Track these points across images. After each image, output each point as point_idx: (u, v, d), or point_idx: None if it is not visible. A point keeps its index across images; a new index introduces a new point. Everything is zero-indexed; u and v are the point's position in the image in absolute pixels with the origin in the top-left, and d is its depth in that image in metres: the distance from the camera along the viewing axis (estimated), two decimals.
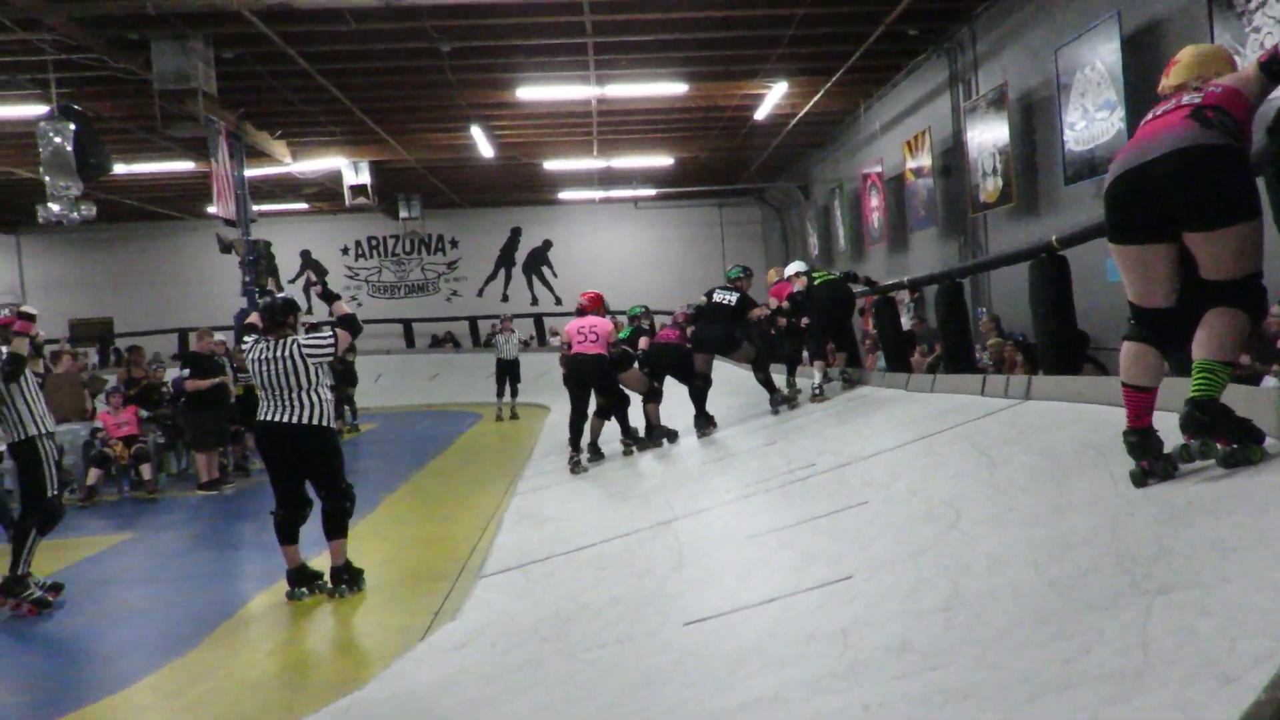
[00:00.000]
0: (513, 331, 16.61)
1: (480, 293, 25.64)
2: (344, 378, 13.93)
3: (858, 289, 9.86)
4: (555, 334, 23.50)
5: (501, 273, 25.82)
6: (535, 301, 25.55)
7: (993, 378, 6.38)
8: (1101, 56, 8.70)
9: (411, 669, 4.05)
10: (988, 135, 11.27)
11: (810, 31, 11.84)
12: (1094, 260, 8.66)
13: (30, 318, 5.99)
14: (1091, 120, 8.93)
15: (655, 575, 4.47)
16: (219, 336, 11.10)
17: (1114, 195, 3.14)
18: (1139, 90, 8.49)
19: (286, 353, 5.58)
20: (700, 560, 4.56)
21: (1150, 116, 3.21)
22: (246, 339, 5.94)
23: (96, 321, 24.22)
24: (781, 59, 12.80)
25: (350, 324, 5.97)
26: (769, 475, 6.11)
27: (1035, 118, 10.67)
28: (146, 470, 10.05)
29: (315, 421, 5.61)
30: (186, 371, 10.20)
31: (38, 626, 5.49)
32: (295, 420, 5.57)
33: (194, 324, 16.98)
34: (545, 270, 25.81)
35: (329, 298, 6.32)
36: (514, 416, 16.05)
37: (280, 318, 5.75)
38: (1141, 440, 3.08)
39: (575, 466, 8.63)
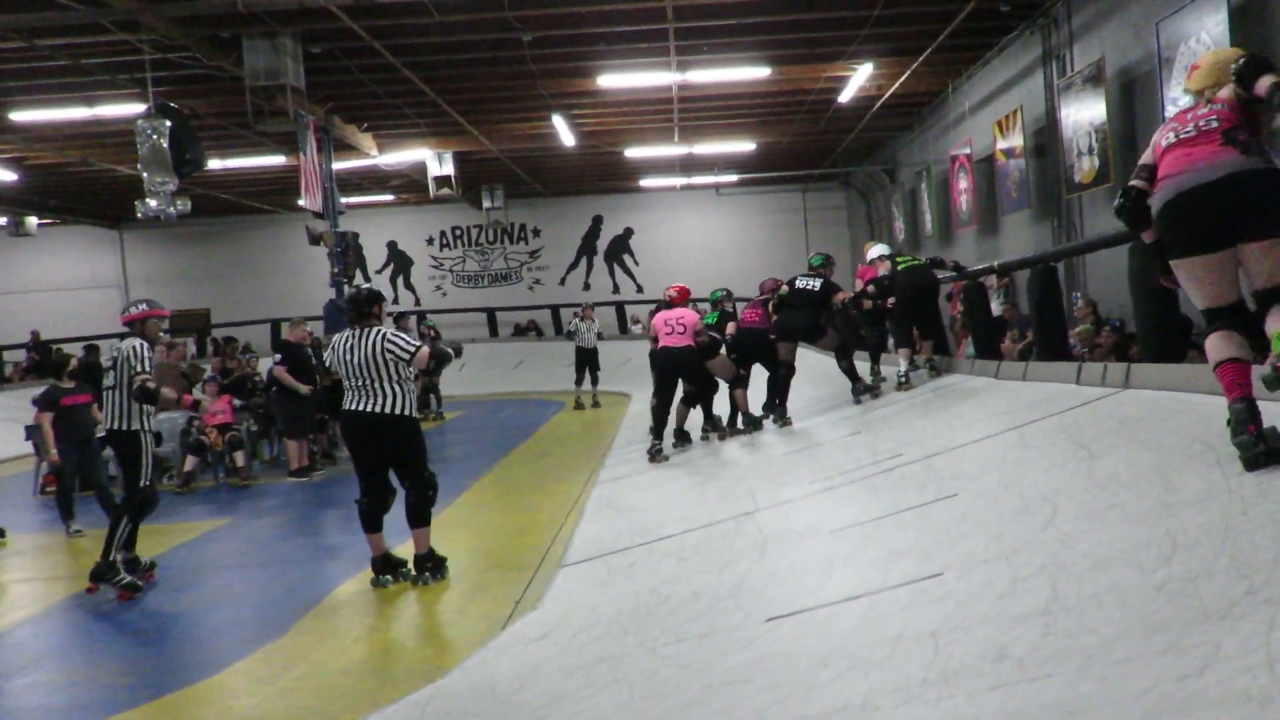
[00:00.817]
0: (593, 320, 16.54)
1: (562, 281, 25.76)
2: (334, 388, 14.02)
3: (944, 274, 9.61)
4: (637, 321, 23.56)
5: (583, 261, 25.90)
6: (617, 290, 25.57)
7: (1089, 365, 6.12)
8: (1208, 28, 8.27)
9: (493, 659, 4.05)
10: (1084, 113, 10.84)
11: (897, 10, 11.54)
12: None
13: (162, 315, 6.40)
14: None
15: (737, 568, 4.39)
16: (309, 327, 11.36)
17: (1177, 212, 3.43)
18: None
19: (370, 343, 5.59)
20: (783, 554, 4.47)
21: (1174, 137, 3.51)
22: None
23: (194, 313, 25.01)
24: (867, 39, 12.50)
25: (441, 358, 5.90)
26: (853, 466, 5.98)
27: (1134, 94, 10.22)
28: (240, 457, 10.33)
29: (398, 411, 5.61)
30: (279, 358, 10.45)
31: (136, 611, 5.66)
32: (378, 410, 5.57)
33: (286, 314, 17.39)
34: (627, 258, 25.81)
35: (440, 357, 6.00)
36: (595, 404, 16.11)
37: (365, 308, 5.75)
38: (1247, 407, 3.18)
39: (656, 455, 8.61)
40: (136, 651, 4.99)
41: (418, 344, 5.73)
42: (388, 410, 5.59)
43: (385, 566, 5.80)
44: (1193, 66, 3.68)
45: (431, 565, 5.78)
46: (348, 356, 5.63)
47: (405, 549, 5.93)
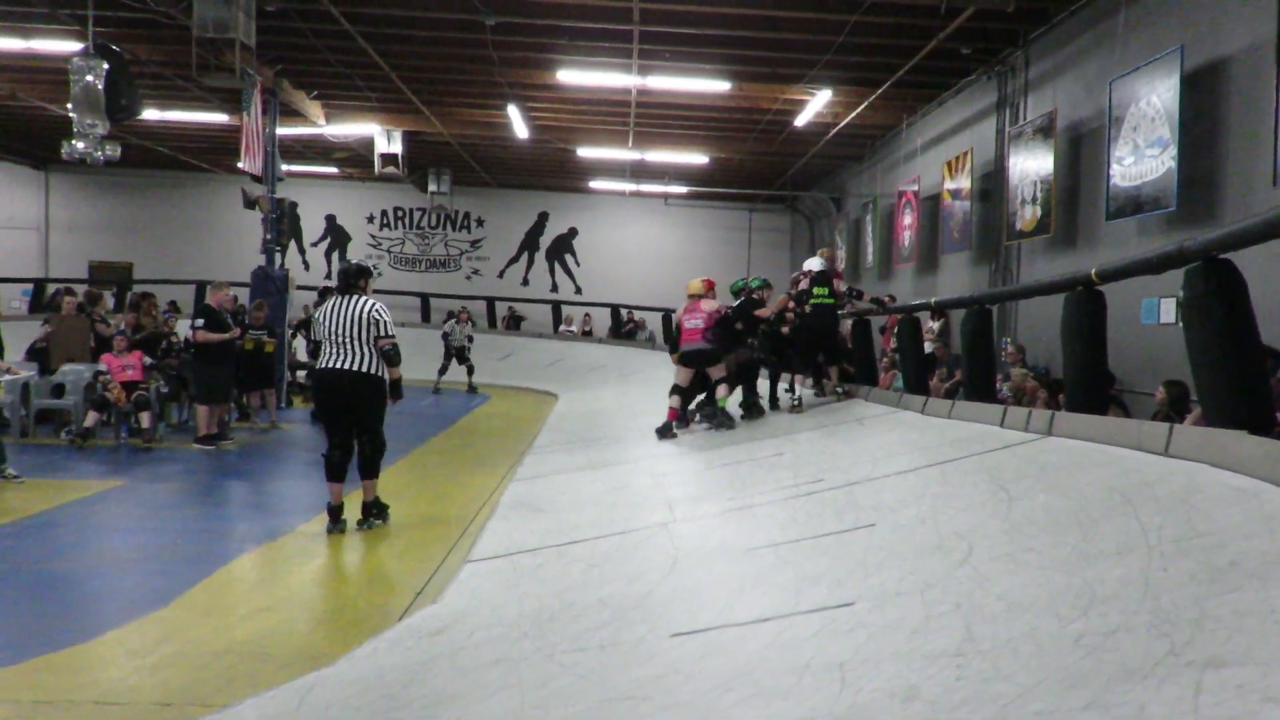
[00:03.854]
0: (469, 324, 18.57)
1: (501, 274, 25.50)
2: (313, 351, 13.74)
3: (862, 305, 10.19)
4: (571, 322, 23.41)
5: (525, 256, 25.66)
6: (555, 288, 25.39)
7: (1014, 410, 6.15)
8: (1159, 91, 8.45)
9: (384, 650, 3.88)
10: (1031, 163, 11.01)
11: (860, 40, 11.62)
12: (1129, 300, 8.43)
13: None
14: (1141, 156, 8.67)
15: (647, 580, 4.28)
16: (232, 292, 10.99)
17: None
18: (1194, 129, 8.24)
19: (358, 310, 6.30)
20: (694, 569, 4.36)
21: None
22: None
23: (117, 265, 24.20)
24: (828, 66, 12.57)
25: (395, 355, 6.50)
26: (774, 487, 5.91)
27: (1082, 149, 10.42)
28: (146, 418, 9.92)
29: (371, 370, 6.32)
30: (200, 322, 10.08)
31: (8, 567, 5.35)
32: (355, 368, 6.27)
33: (212, 277, 16.87)
34: (569, 258, 25.64)
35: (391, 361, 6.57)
36: (472, 389, 17.52)
37: (354, 280, 6.49)
38: None
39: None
40: (6, 609, 4.69)
41: (393, 337, 6.47)
42: (362, 369, 6.28)
43: (340, 514, 6.36)
44: None
45: (376, 511, 6.52)
46: (334, 319, 6.30)
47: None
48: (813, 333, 9.47)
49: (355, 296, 6.38)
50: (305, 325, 14.31)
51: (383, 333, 6.32)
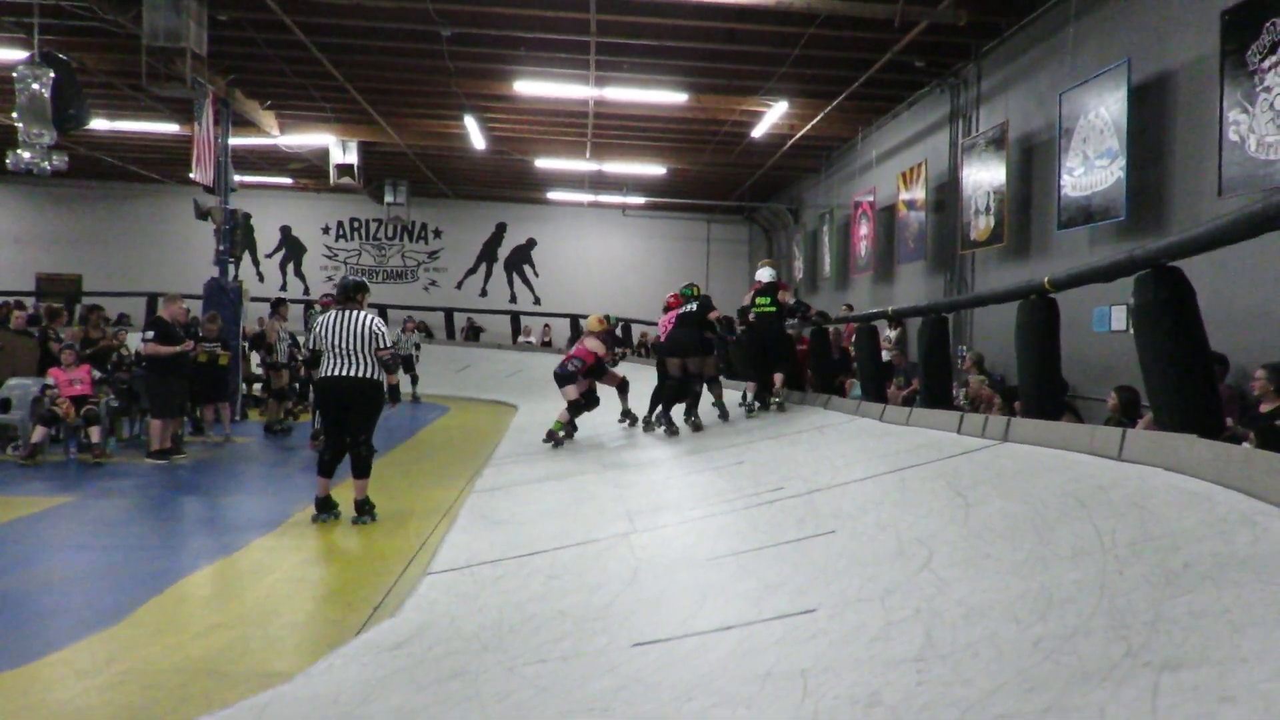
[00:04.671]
0: (414, 333, 19.28)
1: (459, 285, 25.38)
2: (312, 361, 13.50)
3: (811, 316, 10.45)
4: (530, 333, 23.34)
5: (483, 267, 25.57)
6: (514, 299, 25.31)
7: (971, 416, 6.21)
8: (1107, 104, 8.62)
9: (340, 666, 3.81)
10: (984, 174, 11.18)
11: (815, 53, 11.74)
12: (1080, 308, 8.57)
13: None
14: (1091, 167, 8.84)
15: (608, 590, 4.25)
16: (185, 304, 10.81)
17: None
18: (1142, 140, 8.41)
19: (358, 322, 6.93)
20: (656, 578, 4.35)
21: None
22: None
23: (65, 278, 23.74)
24: (784, 78, 12.68)
25: (394, 364, 7.31)
26: (735, 495, 5.92)
27: (1034, 160, 10.59)
28: (95, 433, 9.71)
29: (371, 376, 6.97)
30: (151, 334, 9.90)
31: None
32: (356, 374, 6.90)
33: (164, 289, 16.58)
34: (527, 269, 25.58)
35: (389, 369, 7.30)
36: (416, 400, 17.63)
37: (352, 294, 7.11)
38: None
39: (646, 424, 10.00)
40: None
41: (392, 350, 7.19)
42: (363, 375, 6.93)
43: (326, 506, 7.07)
44: None
45: (367, 508, 7.04)
46: (334, 331, 6.92)
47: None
48: (756, 340, 9.80)
49: (353, 310, 7.00)
50: (260, 339, 14.11)
51: (381, 345, 6.99)
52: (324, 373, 6.98)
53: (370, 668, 3.75)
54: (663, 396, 9.77)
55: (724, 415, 9.65)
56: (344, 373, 6.88)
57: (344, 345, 6.88)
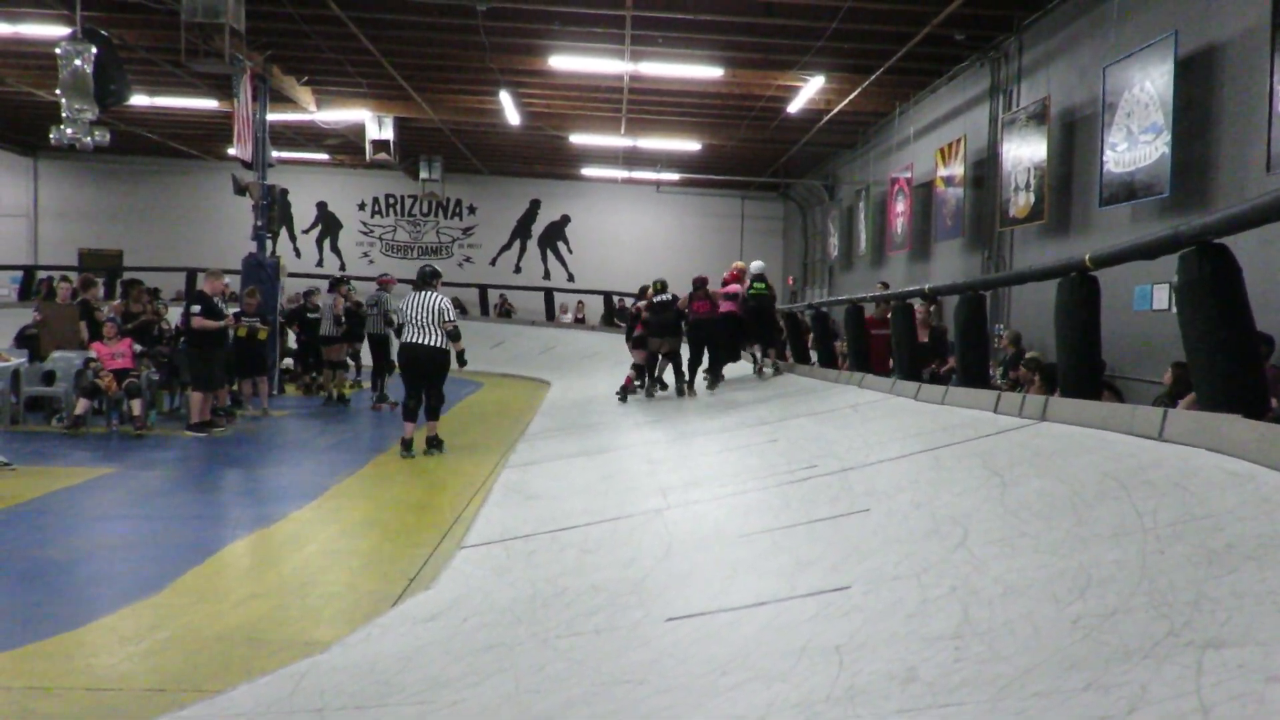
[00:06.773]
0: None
1: (494, 262, 25.45)
2: (351, 334, 13.58)
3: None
4: (565, 310, 23.38)
5: (517, 244, 25.62)
6: (547, 275, 25.35)
7: (1008, 395, 6.15)
8: (1152, 77, 8.44)
9: (378, 636, 3.86)
10: (1024, 149, 11.00)
11: (853, 27, 11.59)
12: (1121, 287, 8.44)
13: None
14: (1135, 143, 8.67)
15: (641, 565, 4.27)
16: (226, 280, 10.93)
17: None
18: (1187, 115, 8.24)
19: (433, 301, 8.80)
20: (689, 554, 4.35)
21: None
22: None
23: (107, 253, 24.08)
24: (821, 52, 12.54)
25: (459, 335, 9.05)
26: (767, 473, 5.91)
27: (1076, 135, 10.41)
28: (137, 406, 9.88)
29: (442, 345, 8.84)
30: (197, 309, 10.04)
31: (6, 554, 5.32)
32: (431, 343, 8.79)
33: (202, 264, 16.77)
34: (561, 246, 25.60)
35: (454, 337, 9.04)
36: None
37: (430, 280, 9.03)
38: None
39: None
40: None
41: (455, 323, 8.96)
42: (436, 344, 8.82)
43: (409, 445, 8.90)
44: None
45: (438, 444, 9.10)
46: (415, 308, 8.80)
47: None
48: (755, 315, 11.72)
49: (429, 292, 8.88)
50: (297, 315, 14.21)
51: (447, 318, 8.81)
52: (406, 339, 8.87)
53: (406, 638, 3.80)
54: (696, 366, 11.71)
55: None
56: (421, 340, 8.76)
57: (420, 319, 8.75)
